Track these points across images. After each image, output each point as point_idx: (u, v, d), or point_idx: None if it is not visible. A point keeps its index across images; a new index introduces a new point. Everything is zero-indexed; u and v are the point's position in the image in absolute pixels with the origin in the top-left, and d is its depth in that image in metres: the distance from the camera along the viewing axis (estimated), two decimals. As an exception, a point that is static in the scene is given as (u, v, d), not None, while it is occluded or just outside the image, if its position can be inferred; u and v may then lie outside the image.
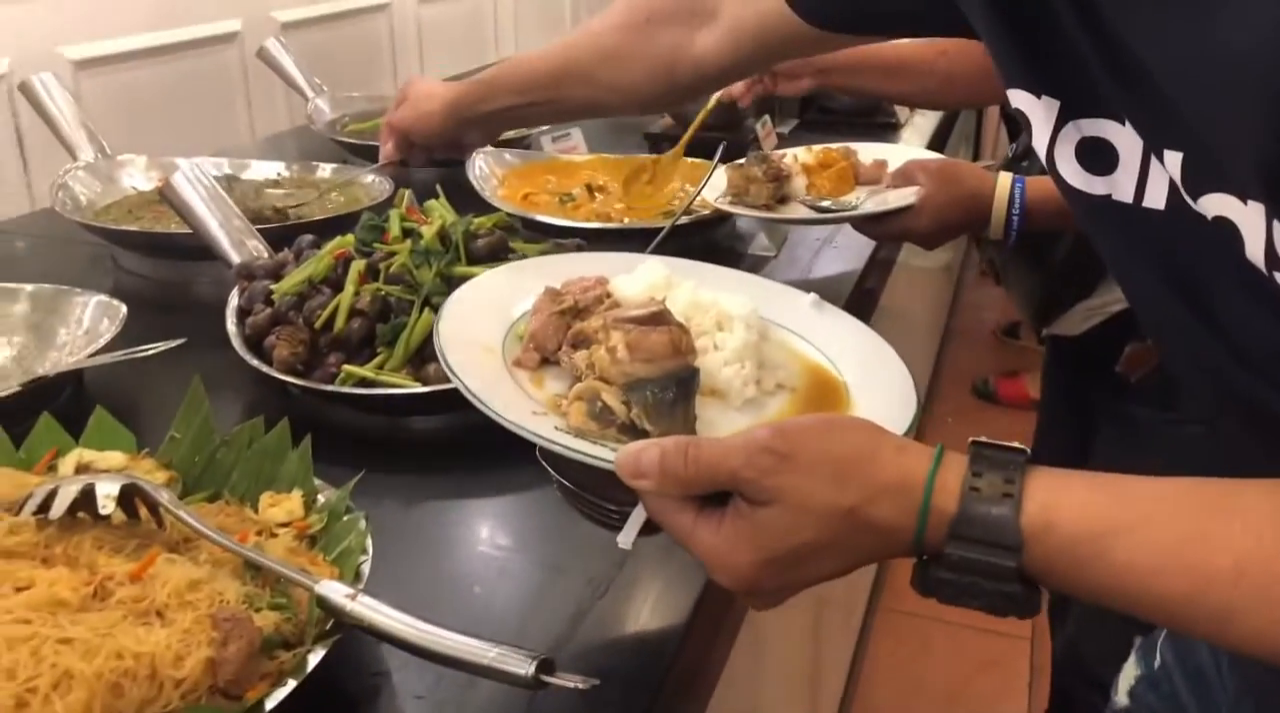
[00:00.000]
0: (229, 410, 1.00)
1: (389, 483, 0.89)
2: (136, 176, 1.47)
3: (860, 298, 1.36)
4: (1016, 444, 0.57)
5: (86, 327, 1.07)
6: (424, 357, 0.97)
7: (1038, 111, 0.65)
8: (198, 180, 1.15)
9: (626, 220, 1.40)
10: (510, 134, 1.80)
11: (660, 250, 1.15)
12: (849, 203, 1.37)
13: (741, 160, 1.38)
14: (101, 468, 0.79)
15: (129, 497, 0.70)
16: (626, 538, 0.61)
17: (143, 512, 0.71)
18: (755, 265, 1.40)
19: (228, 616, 0.59)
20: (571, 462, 0.64)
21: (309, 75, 1.97)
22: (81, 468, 0.79)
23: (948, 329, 3.95)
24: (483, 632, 0.59)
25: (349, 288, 1.00)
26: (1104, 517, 0.53)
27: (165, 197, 1.15)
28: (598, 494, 0.68)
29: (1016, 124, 1.52)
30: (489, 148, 1.57)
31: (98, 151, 1.47)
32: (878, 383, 0.79)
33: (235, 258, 1.14)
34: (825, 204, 1.37)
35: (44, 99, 1.46)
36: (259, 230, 1.20)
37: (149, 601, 0.60)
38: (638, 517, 0.61)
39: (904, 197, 1.27)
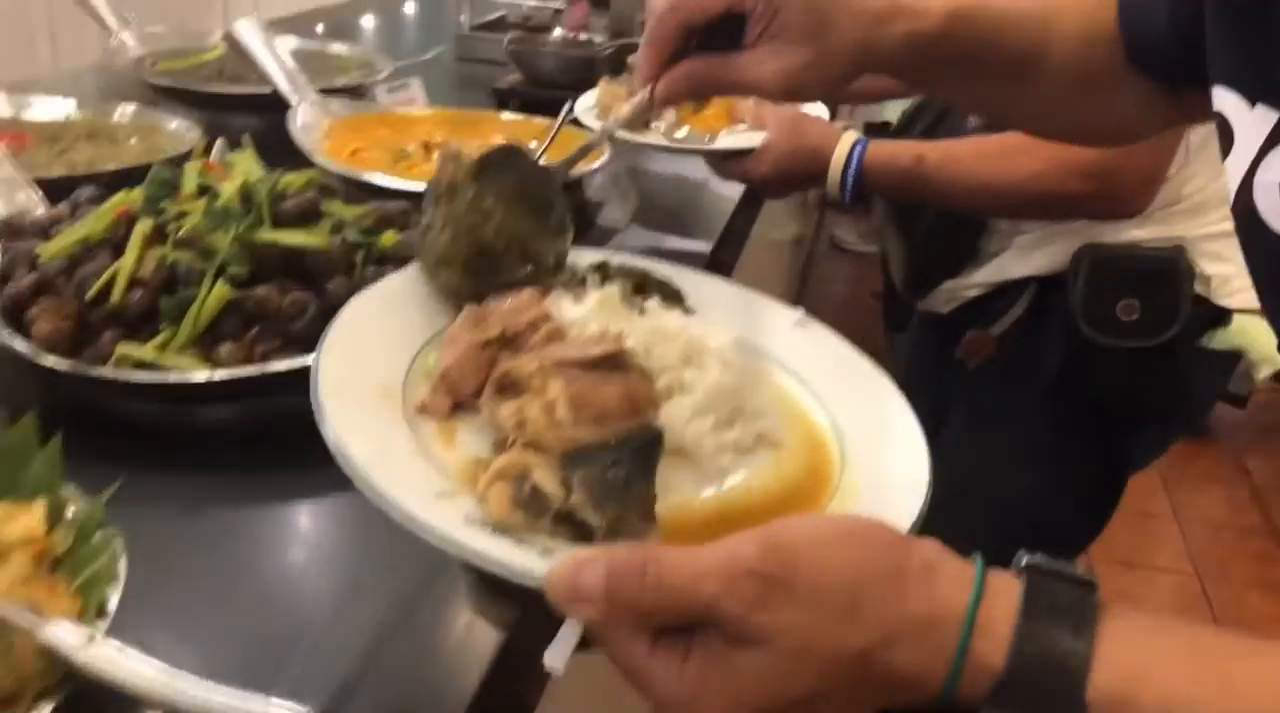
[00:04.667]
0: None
1: (167, 485, 0.76)
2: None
3: (713, 270, 1.29)
4: (1083, 573, 0.46)
5: None
6: (216, 335, 0.84)
7: (1245, 121, 0.54)
8: (-47, 119, 0.98)
9: (464, 183, 1.28)
10: (343, 80, 1.65)
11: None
12: (703, 138, 1.32)
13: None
14: None
15: None
16: (557, 658, 0.46)
17: None
18: (602, 237, 1.30)
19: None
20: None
21: (117, 6, 1.76)
22: None
23: (798, 300, 3.95)
24: (262, 670, 0.48)
25: (130, 253, 0.86)
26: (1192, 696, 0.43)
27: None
28: (523, 600, 0.54)
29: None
30: (313, 94, 1.42)
31: None
32: (878, 440, 0.64)
33: (-1, 211, 0.98)
34: (679, 135, 1.32)
35: None
36: (39, 180, 1.04)
37: None
38: (571, 629, 0.46)
39: (747, 139, 1.27)
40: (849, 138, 1.29)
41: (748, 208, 1.52)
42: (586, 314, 0.66)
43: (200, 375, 0.80)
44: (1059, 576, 0.45)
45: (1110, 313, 1.27)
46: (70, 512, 0.64)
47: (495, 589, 0.53)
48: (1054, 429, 1.40)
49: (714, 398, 0.62)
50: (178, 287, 0.85)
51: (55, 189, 1.03)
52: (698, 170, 1.47)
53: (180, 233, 0.86)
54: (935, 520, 0.56)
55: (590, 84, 1.72)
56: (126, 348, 0.81)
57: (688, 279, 0.78)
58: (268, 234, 0.86)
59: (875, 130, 1.46)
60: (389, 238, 0.91)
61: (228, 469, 0.80)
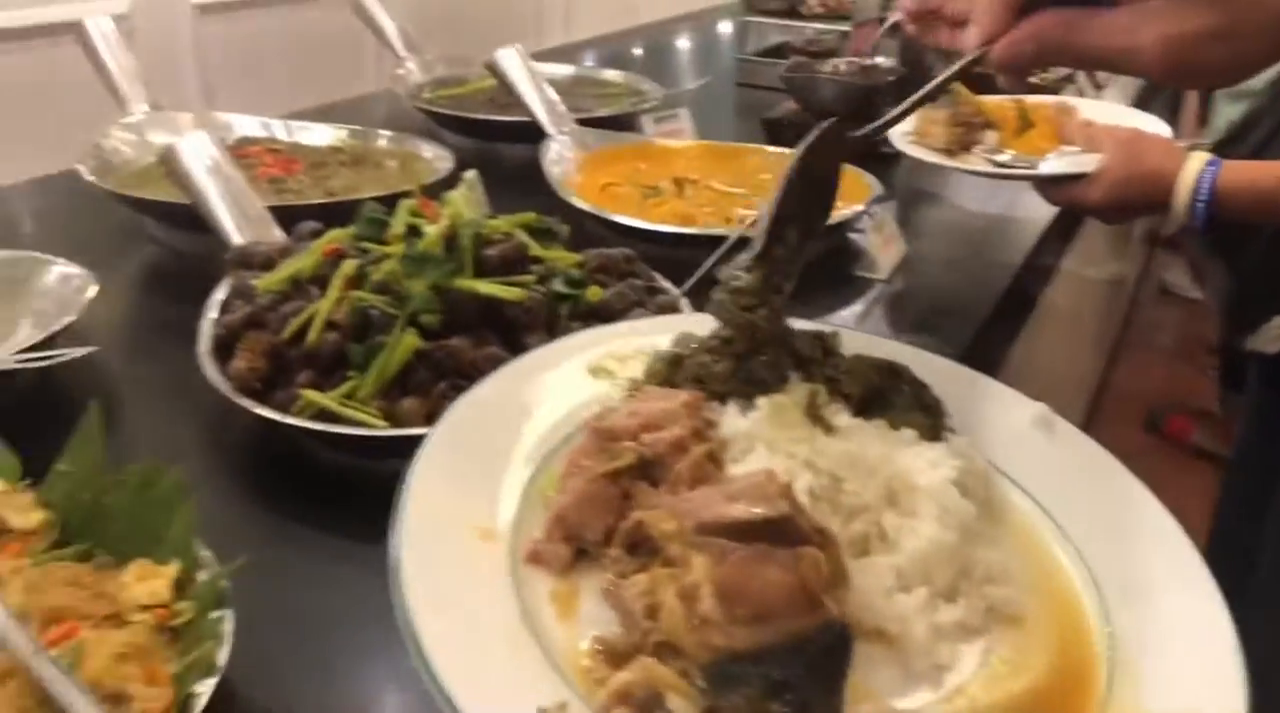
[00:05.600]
0: (178, 428, 0.85)
1: (324, 546, 0.71)
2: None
3: (1007, 309, 1.18)
4: None
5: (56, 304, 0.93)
6: (406, 386, 0.79)
7: None
8: (203, 148, 1.00)
9: (709, 224, 1.18)
10: (611, 109, 1.61)
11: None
12: (1029, 162, 1.21)
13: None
14: (-33, 500, 0.64)
15: (-69, 564, 0.54)
16: None
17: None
18: (858, 290, 1.16)
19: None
20: None
21: (407, 32, 1.81)
22: (-53, 497, 0.64)
23: (1116, 349, 3.57)
24: None
25: (331, 293, 0.82)
26: None
27: (166, 165, 1.00)
28: None
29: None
30: (571, 125, 1.38)
31: (150, 105, 1.34)
32: (1164, 619, 0.46)
33: (236, 239, 0.99)
34: (1002, 159, 1.22)
35: (98, 45, 1.34)
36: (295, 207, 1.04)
37: None
38: None
39: (1080, 163, 1.16)
40: (1198, 159, 1.14)
41: (1052, 240, 1.35)
42: (753, 431, 0.52)
43: (378, 431, 0.75)
44: None
45: None
46: (200, 576, 0.60)
47: None
48: None
49: (928, 560, 0.48)
50: (370, 332, 0.80)
51: (308, 215, 1.03)
52: (994, 200, 1.32)
53: (376, 277, 0.81)
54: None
55: (871, 115, 1.59)
56: (311, 395, 0.77)
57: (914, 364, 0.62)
58: (464, 283, 0.80)
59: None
60: (594, 292, 0.83)
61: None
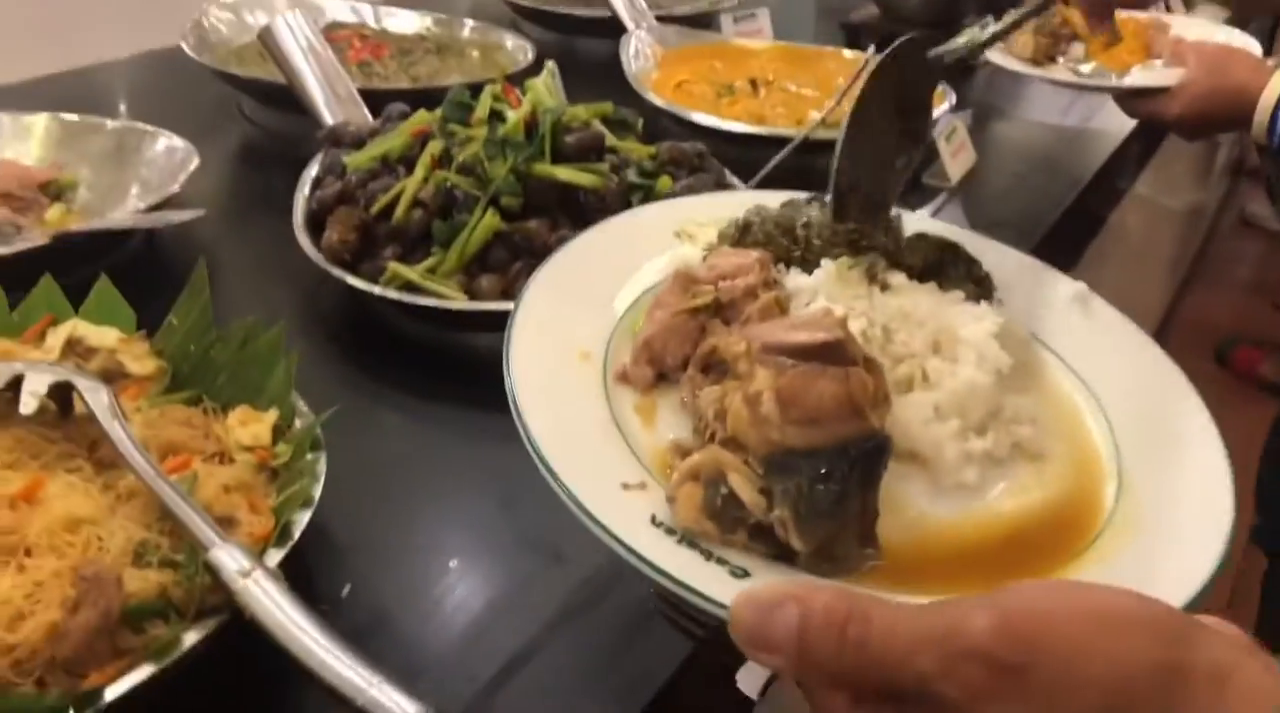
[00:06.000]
0: (275, 291, 0.91)
1: (405, 405, 0.78)
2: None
3: (1072, 232, 1.20)
4: None
5: (161, 173, 0.99)
6: (485, 263, 0.84)
7: None
8: (299, 29, 1.04)
9: (780, 125, 1.20)
10: (689, 7, 1.61)
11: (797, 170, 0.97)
12: (1114, 74, 1.25)
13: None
14: (92, 345, 0.71)
15: (66, 393, 0.61)
16: (751, 684, 0.42)
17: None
18: (926, 197, 1.18)
19: (91, 572, 0.49)
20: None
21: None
22: (74, 342, 0.71)
23: (1189, 279, 3.50)
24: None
25: (418, 173, 0.87)
26: None
27: (264, 43, 1.05)
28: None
29: None
30: (651, 21, 1.39)
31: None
32: (1169, 460, 0.52)
33: (328, 119, 1.04)
34: (1084, 70, 1.26)
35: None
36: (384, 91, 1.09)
37: (18, 536, 0.51)
38: None
39: (1161, 77, 1.18)
40: None
41: (1126, 162, 1.35)
42: (817, 286, 0.57)
43: (457, 304, 0.80)
44: None
45: None
46: (296, 424, 0.66)
47: (682, 601, 0.43)
48: None
49: (963, 398, 0.52)
50: (453, 211, 0.85)
51: (395, 99, 1.07)
52: (1070, 114, 1.33)
53: (462, 158, 0.86)
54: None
55: (953, 25, 1.57)
56: (397, 268, 0.83)
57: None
58: (543, 168, 0.84)
59: None
60: (665, 183, 0.86)
61: (470, 401, 0.79)
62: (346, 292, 0.84)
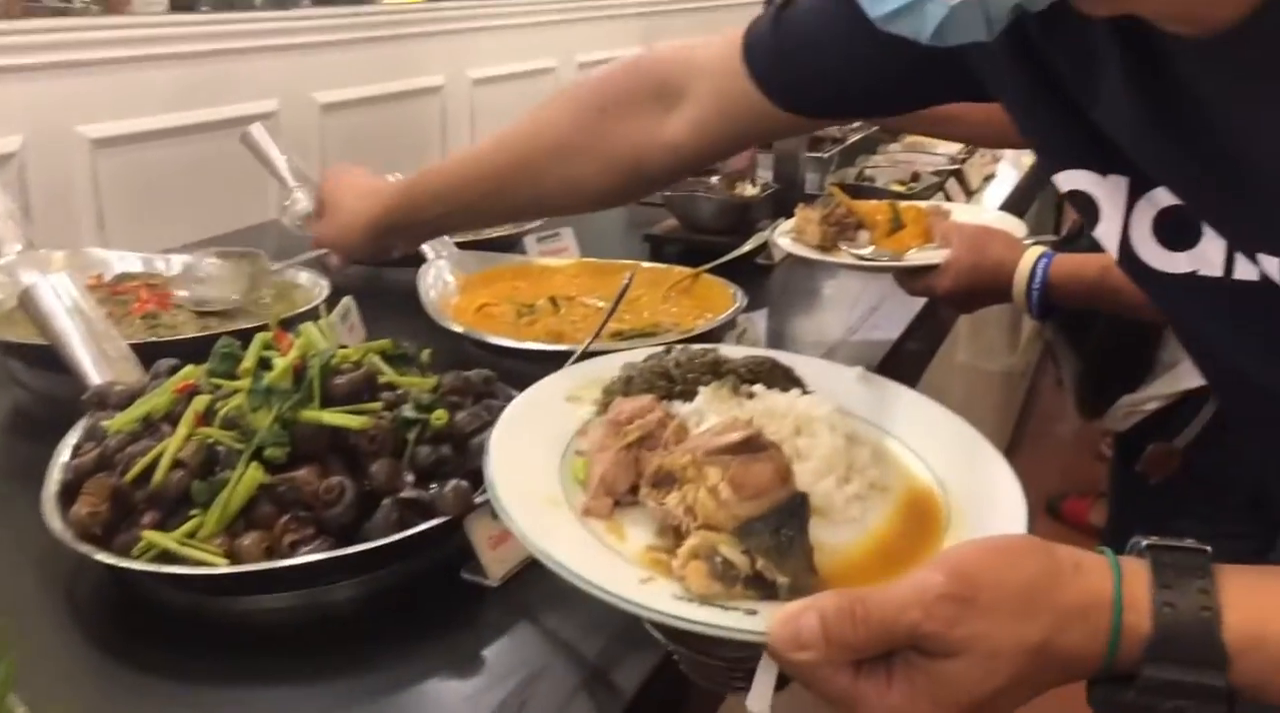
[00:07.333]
0: (24, 577, 0.83)
1: (162, 689, 0.70)
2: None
3: (905, 359, 1.32)
4: (1192, 543, 0.54)
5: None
6: (249, 520, 0.79)
7: (1103, 191, 0.65)
8: (64, 290, 1.01)
9: (577, 341, 1.20)
10: (494, 232, 1.64)
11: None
12: (893, 256, 1.36)
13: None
14: None
15: None
16: (761, 702, 0.55)
17: None
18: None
19: None
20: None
21: (296, 164, 1.84)
22: None
23: (1015, 439, 3.64)
24: None
25: (180, 431, 0.82)
26: None
27: (24, 306, 1.01)
28: (721, 655, 0.61)
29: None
30: (451, 250, 1.41)
31: (25, 246, 1.34)
32: (971, 473, 0.72)
33: (95, 379, 0.99)
34: (864, 253, 1.36)
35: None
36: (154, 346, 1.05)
37: None
38: (767, 672, 0.55)
39: (931, 256, 1.30)
40: (1034, 252, 1.27)
41: (919, 332, 1.41)
42: (702, 407, 0.74)
43: (219, 569, 0.75)
44: (1176, 548, 0.53)
45: None
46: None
47: (702, 653, 0.62)
48: (1255, 553, 1.19)
49: (831, 459, 0.70)
50: (216, 468, 0.80)
51: (179, 350, 1.03)
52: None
53: (224, 412, 0.82)
54: None
55: (747, 231, 1.65)
56: (151, 536, 0.77)
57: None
58: (309, 414, 0.81)
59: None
60: (439, 416, 0.84)
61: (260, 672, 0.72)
62: (101, 568, 0.77)
